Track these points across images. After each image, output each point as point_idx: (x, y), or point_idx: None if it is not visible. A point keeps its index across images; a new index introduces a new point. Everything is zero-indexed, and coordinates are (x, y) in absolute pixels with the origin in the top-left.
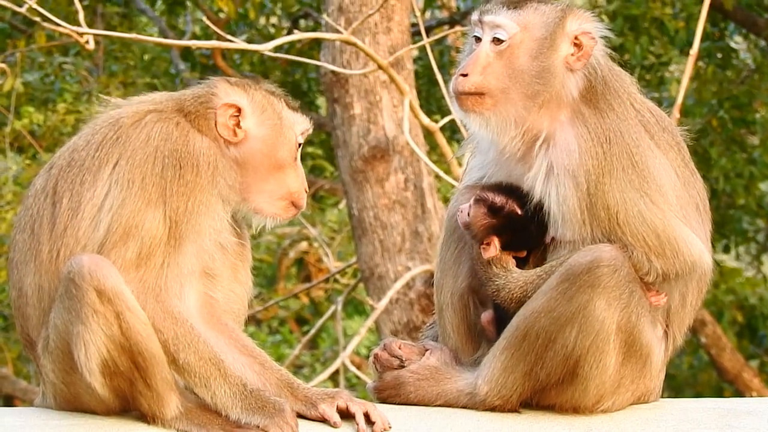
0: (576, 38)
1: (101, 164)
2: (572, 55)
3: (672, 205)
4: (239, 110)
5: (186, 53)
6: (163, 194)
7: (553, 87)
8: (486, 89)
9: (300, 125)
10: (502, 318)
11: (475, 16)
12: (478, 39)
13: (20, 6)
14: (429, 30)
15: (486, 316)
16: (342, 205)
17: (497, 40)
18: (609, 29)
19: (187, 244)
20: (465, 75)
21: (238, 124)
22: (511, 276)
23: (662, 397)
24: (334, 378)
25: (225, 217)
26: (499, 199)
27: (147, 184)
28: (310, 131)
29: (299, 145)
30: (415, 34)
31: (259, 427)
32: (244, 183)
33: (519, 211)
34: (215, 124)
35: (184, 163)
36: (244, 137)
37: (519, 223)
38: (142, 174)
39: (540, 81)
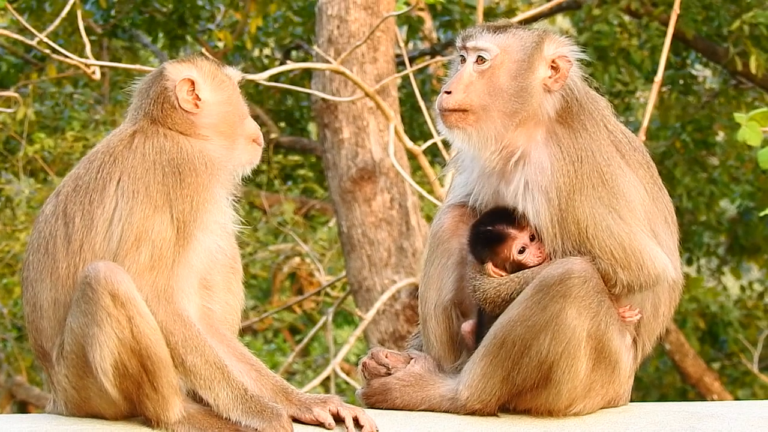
0: (553, 61)
1: (105, 183)
2: (550, 77)
3: (639, 220)
4: (193, 83)
5: None
6: (168, 199)
7: (531, 106)
8: (468, 106)
9: (236, 76)
10: (482, 328)
11: (459, 41)
12: (463, 60)
13: (32, 40)
14: (412, 60)
15: (466, 326)
16: (332, 223)
17: (481, 59)
18: (583, 53)
19: (195, 242)
20: (449, 92)
21: (197, 97)
22: (486, 279)
23: (630, 399)
24: (325, 384)
25: (228, 209)
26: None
27: (151, 192)
28: (244, 78)
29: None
30: (399, 64)
31: (257, 430)
32: (221, 147)
33: None
34: (178, 104)
35: (182, 168)
36: (204, 105)
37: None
38: (145, 184)
39: (518, 100)
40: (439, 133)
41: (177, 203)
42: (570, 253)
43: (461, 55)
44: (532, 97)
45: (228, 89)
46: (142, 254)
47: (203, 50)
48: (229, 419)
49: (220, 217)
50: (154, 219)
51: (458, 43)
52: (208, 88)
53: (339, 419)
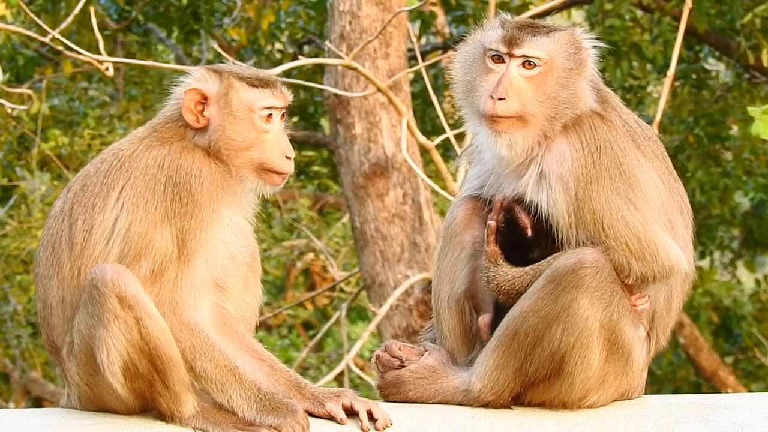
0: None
1: (109, 190)
2: None
3: (655, 211)
4: (205, 97)
5: None
6: (167, 216)
7: (579, 109)
8: (523, 113)
9: (260, 100)
10: (499, 322)
11: (500, 45)
12: (499, 59)
13: (45, 36)
14: (424, 55)
15: (483, 319)
16: (346, 219)
17: (528, 65)
18: (596, 48)
19: (198, 259)
20: (502, 99)
21: (202, 112)
22: (501, 270)
23: (645, 393)
24: (338, 379)
25: (233, 225)
26: (520, 218)
27: (150, 208)
28: (279, 103)
29: (268, 116)
30: (412, 59)
31: (272, 426)
32: (225, 167)
33: (529, 232)
34: (181, 112)
35: (179, 188)
36: (207, 123)
37: (523, 240)
38: (144, 199)
39: (568, 106)
40: (451, 128)
41: (176, 220)
42: (584, 243)
43: (494, 55)
44: (581, 101)
45: (230, 116)
46: (142, 268)
47: (216, 46)
48: (244, 418)
49: (225, 234)
50: (155, 236)
51: (496, 46)
52: (215, 108)
53: (353, 412)
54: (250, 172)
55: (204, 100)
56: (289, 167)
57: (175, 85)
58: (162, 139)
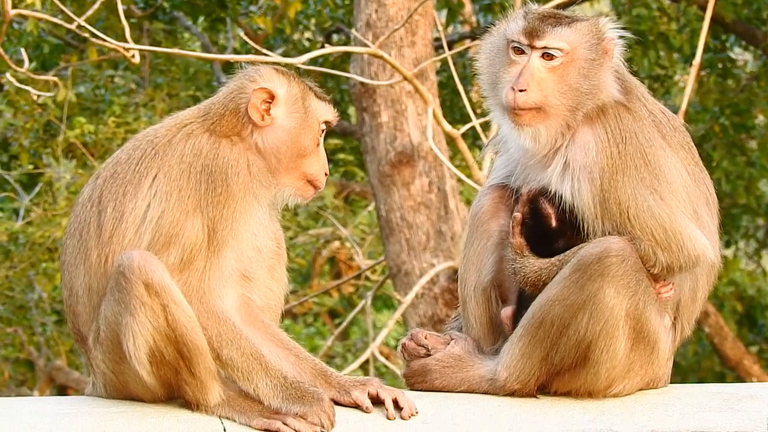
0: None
1: (141, 177)
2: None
3: (681, 201)
4: (273, 97)
5: (227, 66)
6: (200, 205)
7: (601, 99)
8: (544, 104)
9: (324, 114)
10: (522, 313)
11: (521, 37)
12: (519, 51)
13: (71, 24)
14: (451, 44)
15: (506, 311)
16: (372, 207)
17: (548, 56)
18: (622, 38)
19: (227, 249)
20: (523, 90)
21: (268, 111)
22: (527, 261)
23: (669, 383)
24: (364, 367)
25: (262, 218)
26: (544, 208)
27: (183, 196)
28: (334, 122)
29: (322, 131)
30: (438, 48)
31: (297, 414)
32: (267, 167)
33: (553, 222)
34: (246, 107)
35: (214, 177)
36: (270, 123)
37: (548, 230)
38: (178, 187)
39: (590, 96)
40: (478, 117)
41: (208, 210)
42: (609, 233)
43: (515, 47)
44: (603, 91)
45: (301, 122)
46: (171, 256)
47: (243, 34)
48: (270, 406)
49: (255, 227)
50: (186, 224)
51: (517, 38)
52: (283, 110)
53: (379, 401)
54: (292, 178)
55: (270, 99)
56: (324, 183)
57: (232, 79)
58: (203, 129)
